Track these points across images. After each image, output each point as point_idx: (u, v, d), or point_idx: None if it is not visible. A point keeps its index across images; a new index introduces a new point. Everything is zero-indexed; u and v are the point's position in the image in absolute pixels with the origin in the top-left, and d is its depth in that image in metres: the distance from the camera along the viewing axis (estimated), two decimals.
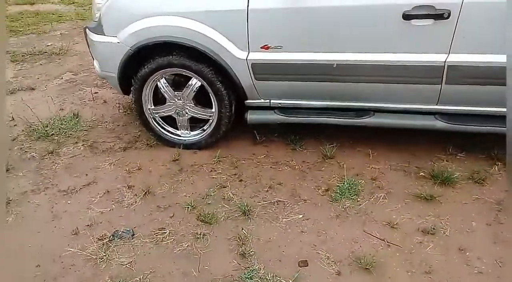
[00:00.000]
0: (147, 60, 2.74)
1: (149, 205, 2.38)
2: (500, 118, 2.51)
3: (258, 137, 2.97)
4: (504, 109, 2.48)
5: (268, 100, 2.77)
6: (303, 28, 2.43)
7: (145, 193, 2.45)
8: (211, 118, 2.83)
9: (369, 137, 2.90)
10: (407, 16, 2.25)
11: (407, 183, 2.49)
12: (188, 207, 2.32)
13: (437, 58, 2.33)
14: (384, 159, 2.73)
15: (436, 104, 2.53)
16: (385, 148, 2.83)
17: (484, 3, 2.19)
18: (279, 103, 2.76)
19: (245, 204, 2.32)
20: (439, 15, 2.22)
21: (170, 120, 2.96)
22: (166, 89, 2.80)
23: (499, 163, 2.64)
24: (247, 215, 2.25)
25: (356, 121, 2.65)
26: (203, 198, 2.41)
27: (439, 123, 2.54)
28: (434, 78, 2.39)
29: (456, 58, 2.30)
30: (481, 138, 2.78)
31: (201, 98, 2.82)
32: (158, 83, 2.80)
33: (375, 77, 2.47)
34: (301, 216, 2.25)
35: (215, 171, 2.66)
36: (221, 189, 2.48)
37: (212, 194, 2.44)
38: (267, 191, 2.46)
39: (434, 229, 2.12)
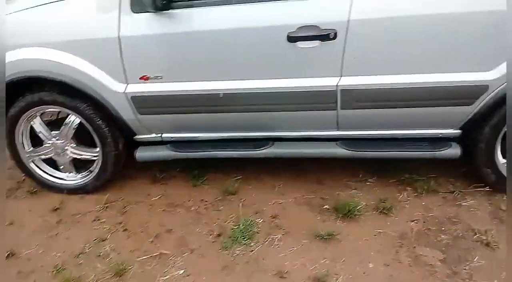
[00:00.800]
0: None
1: (9, 270, 2.02)
2: (404, 142, 2.35)
3: (158, 174, 2.68)
4: (408, 132, 2.34)
5: (159, 135, 2.49)
6: (182, 56, 2.17)
7: (8, 255, 2.09)
8: (96, 158, 2.52)
9: (277, 167, 2.68)
10: (291, 38, 2.03)
11: (308, 219, 2.26)
12: (53, 271, 2.00)
13: (329, 82, 2.12)
14: (290, 190, 2.50)
15: (337, 130, 2.34)
16: (293, 177, 2.61)
17: (372, 21, 1.99)
18: (172, 137, 2.49)
19: (122, 261, 2.02)
20: (325, 36, 2.02)
21: (54, 163, 2.62)
22: (40, 129, 2.47)
23: (409, 188, 2.47)
24: (120, 276, 1.95)
25: (254, 153, 2.40)
26: (75, 257, 2.09)
27: (340, 151, 2.34)
28: (328, 104, 2.18)
29: (349, 81, 2.10)
30: (395, 161, 2.62)
31: (83, 137, 2.51)
32: (32, 123, 2.46)
33: (266, 105, 2.24)
34: (182, 271, 1.96)
35: (99, 220, 2.35)
36: (100, 243, 2.17)
37: (87, 250, 2.13)
38: (151, 241, 2.17)
39: (326, 275, 1.89)
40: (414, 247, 2.04)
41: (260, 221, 2.24)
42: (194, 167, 2.69)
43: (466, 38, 1.98)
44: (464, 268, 1.91)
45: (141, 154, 2.48)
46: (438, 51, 2.02)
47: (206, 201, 2.44)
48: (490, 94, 2.09)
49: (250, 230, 2.17)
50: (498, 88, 2.06)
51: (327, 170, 2.63)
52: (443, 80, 2.08)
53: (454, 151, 2.27)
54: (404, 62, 2.06)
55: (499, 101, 2.09)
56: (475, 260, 1.95)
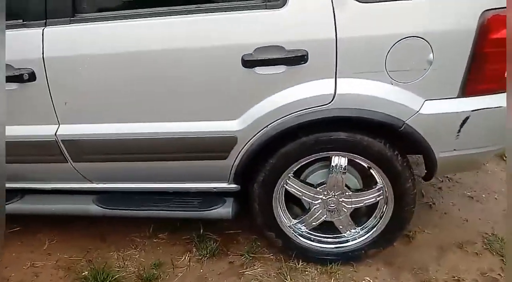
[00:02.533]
0: None
1: None
2: (173, 199, 1.93)
3: None
4: (177, 186, 1.91)
5: None
6: None
7: None
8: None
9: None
10: None
11: None
12: None
13: (48, 130, 1.73)
14: (61, 248, 2.10)
15: (92, 182, 1.94)
16: (77, 230, 2.20)
17: (72, 59, 1.58)
18: None
19: None
20: (19, 77, 1.63)
21: None
22: None
23: (194, 250, 2.07)
24: None
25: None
26: None
27: (94, 208, 1.93)
28: (55, 156, 1.79)
29: (68, 130, 1.70)
30: None
31: None
32: None
33: None
34: None
35: None
36: None
37: None
38: None
39: None
40: None
41: None
42: None
43: (203, 78, 1.56)
44: None
45: None
46: (167, 94, 1.61)
47: None
48: (242, 147, 1.66)
49: None
50: (251, 140, 1.64)
51: (118, 220, 2.23)
52: (180, 130, 1.65)
53: (224, 210, 1.85)
54: (131, 108, 1.65)
55: (256, 155, 1.68)
56: None
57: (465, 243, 2.05)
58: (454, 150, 1.65)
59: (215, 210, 1.85)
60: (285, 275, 1.88)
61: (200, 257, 2.02)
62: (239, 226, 2.15)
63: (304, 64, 1.50)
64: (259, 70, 1.52)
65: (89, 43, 1.58)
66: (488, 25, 1.43)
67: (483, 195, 2.41)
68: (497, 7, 1.42)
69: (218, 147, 1.68)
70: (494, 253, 1.98)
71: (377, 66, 1.50)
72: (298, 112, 1.56)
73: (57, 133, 1.69)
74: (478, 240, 2.07)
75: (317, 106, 1.55)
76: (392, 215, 1.80)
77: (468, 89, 1.54)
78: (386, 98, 1.53)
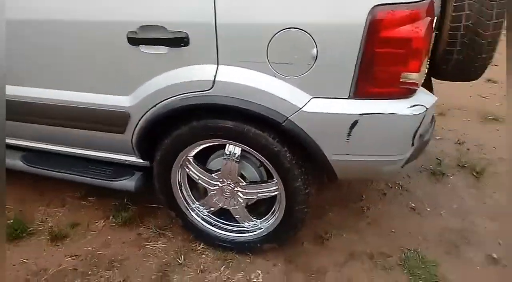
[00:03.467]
0: None
1: None
2: (91, 166, 1.99)
3: None
4: (91, 153, 1.97)
5: None
6: None
7: None
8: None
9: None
10: None
11: None
12: None
13: None
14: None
15: (17, 139, 2.06)
16: (24, 182, 2.35)
17: None
18: None
19: None
20: None
21: None
22: None
23: (111, 217, 2.14)
24: None
25: None
26: None
27: (19, 164, 2.05)
28: None
29: None
30: None
31: None
32: None
33: None
34: None
35: None
36: None
37: None
38: None
39: None
40: None
41: None
42: None
43: (94, 52, 1.59)
44: None
45: None
46: (64, 65, 1.66)
47: None
48: (135, 123, 1.67)
49: None
50: (143, 118, 1.64)
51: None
52: (78, 100, 1.70)
53: (129, 183, 1.89)
54: (34, 73, 1.73)
55: (149, 133, 1.68)
56: None
57: (379, 254, 1.94)
58: (347, 154, 1.55)
59: (121, 181, 1.90)
60: (182, 255, 1.91)
61: (114, 225, 2.10)
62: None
63: (185, 47, 1.47)
64: (144, 48, 1.51)
65: None
66: (378, 22, 1.31)
67: (428, 209, 2.24)
68: (390, 2, 1.29)
69: (113, 120, 1.70)
70: (405, 271, 1.86)
71: (259, 57, 1.43)
72: (182, 95, 1.54)
73: None
74: (395, 254, 1.94)
75: (197, 91, 1.52)
76: (284, 213, 1.75)
77: (359, 91, 1.43)
78: (267, 91, 1.46)
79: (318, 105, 1.46)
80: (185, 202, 1.89)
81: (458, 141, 2.85)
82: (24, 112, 1.84)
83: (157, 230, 2.05)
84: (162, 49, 1.50)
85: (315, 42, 1.37)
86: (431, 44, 1.58)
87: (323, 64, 1.40)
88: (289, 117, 1.48)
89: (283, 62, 1.43)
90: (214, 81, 1.49)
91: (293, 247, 1.96)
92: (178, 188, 1.86)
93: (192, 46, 1.47)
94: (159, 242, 2.00)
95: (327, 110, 1.46)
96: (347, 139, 1.50)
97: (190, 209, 1.91)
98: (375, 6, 1.30)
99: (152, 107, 1.61)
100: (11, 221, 2.11)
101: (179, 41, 1.46)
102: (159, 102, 1.59)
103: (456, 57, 1.72)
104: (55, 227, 2.08)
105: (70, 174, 1.97)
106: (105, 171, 1.97)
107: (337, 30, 1.35)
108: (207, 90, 1.51)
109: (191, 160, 1.78)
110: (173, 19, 1.45)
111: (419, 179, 2.47)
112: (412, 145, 1.53)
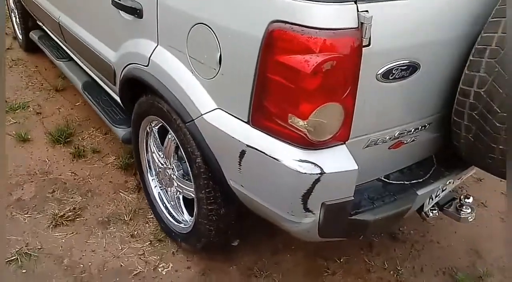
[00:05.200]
0: None
1: None
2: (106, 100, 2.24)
3: None
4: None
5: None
6: None
7: None
8: None
9: None
10: None
11: None
12: None
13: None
14: None
15: None
16: None
17: None
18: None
19: None
20: None
21: None
22: None
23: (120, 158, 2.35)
24: None
25: None
26: None
27: (79, 87, 2.43)
28: None
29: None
30: None
31: None
32: None
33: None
34: None
35: None
36: None
37: None
38: None
39: None
40: None
41: None
42: None
43: (99, 5, 1.75)
44: None
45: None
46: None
47: None
48: (118, 79, 1.76)
49: None
50: (120, 76, 1.72)
51: None
52: (92, 44, 1.91)
53: (121, 132, 2.01)
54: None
55: (125, 92, 1.76)
56: None
57: None
58: (242, 186, 1.30)
59: (116, 128, 2.07)
60: (131, 214, 2.01)
61: (116, 165, 2.35)
62: None
63: (140, 19, 1.48)
64: (122, 13, 1.59)
65: None
66: (273, 41, 1.03)
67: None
68: (291, 20, 0.98)
69: (107, 69, 1.87)
70: None
71: (182, 46, 1.33)
72: (134, 64, 1.57)
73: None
74: None
75: (140, 65, 1.51)
76: (195, 218, 1.60)
77: (252, 117, 1.17)
78: (181, 86, 1.35)
79: (218, 118, 1.27)
80: (148, 169, 1.96)
81: None
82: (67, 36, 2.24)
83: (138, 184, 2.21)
84: (128, 17, 1.55)
85: (219, 46, 1.18)
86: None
87: (227, 73, 1.20)
88: (194, 120, 1.34)
89: (197, 59, 1.29)
90: (149, 59, 1.46)
91: (223, 264, 1.81)
92: (145, 153, 1.93)
93: (144, 20, 1.47)
94: (132, 194, 2.15)
95: (222, 127, 1.26)
96: (239, 169, 1.27)
97: (151, 178, 1.96)
98: (273, 21, 1.02)
99: (123, 69, 1.70)
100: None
101: (137, 12, 1.48)
102: (126, 66, 1.66)
103: (464, 135, 1.20)
104: (85, 146, 2.48)
105: (97, 106, 2.26)
106: (117, 115, 2.18)
107: (239, 37, 1.13)
108: (145, 66, 1.49)
109: (154, 131, 1.81)
110: None
111: None
112: (307, 210, 1.17)
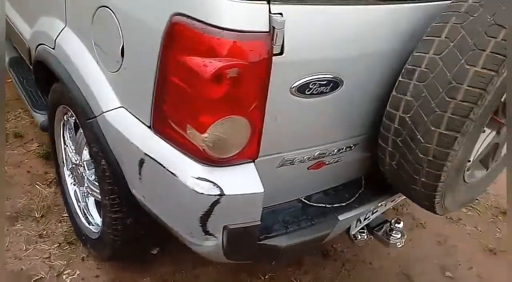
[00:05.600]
0: None
1: None
2: None
3: None
4: None
5: None
6: None
7: None
8: None
9: None
10: None
11: None
12: None
13: None
14: None
15: None
16: None
17: None
18: None
19: None
20: None
21: None
22: None
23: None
24: None
25: None
26: None
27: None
28: None
29: None
30: None
31: None
32: None
33: None
34: None
35: None
36: None
37: None
38: None
39: None
40: None
41: None
42: None
43: None
44: None
45: None
46: None
47: None
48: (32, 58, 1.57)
49: None
50: (35, 53, 1.52)
51: None
52: (11, 17, 1.70)
53: (40, 117, 1.79)
54: None
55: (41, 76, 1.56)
56: None
57: None
58: (143, 197, 1.16)
59: (36, 113, 1.85)
60: (44, 209, 1.83)
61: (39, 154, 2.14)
62: None
63: None
64: None
65: None
66: (173, 37, 0.88)
67: None
68: (191, 14, 0.84)
69: (24, 47, 1.66)
70: None
71: (87, 32, 1.15)
72: (43, 45, 1.38)
73: None
74: None
75: (47, 46, 1.33)
76: (102, 225, 1.44)
77: (154, 121, 1.02)
78: (83, 75, 1.18)
79: (120, 119, 1.11)
80: (64, 163, 1.78)
81: None
82: None
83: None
84: None
85: (122, 35, 1.02)
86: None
87: (129, 68, 1.04)
88: (96, 117, 1.18)
89: (101, 48, 1.12)
90: (55, 41, 1.28)
91: (137, 274, 1.66)
92: (62, 145, 1.74)
93: None
94: (49, 188, 1.96)
95: (122, 130, 1.10)
96: (140, 179, 1.12)
97: (68, 174, 1.78)
98: (176, 13, 0.87)
99: (36, 49, 1.50)
100: None
101: None
102: (38, 46, 1.47)
103: (388, 162, 1.09)
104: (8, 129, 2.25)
105: (19, 85, 2.03)
106: (40, 98, 1.98)
107: (142, 27, 0.97)
108: (52, 49, 1.31)
109: (71, 122, 1.63)
110: None
111: None
112: (207, 233, 1.04)
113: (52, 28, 1.31)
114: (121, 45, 1.02)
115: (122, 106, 1.11)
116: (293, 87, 0.93)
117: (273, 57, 0.85)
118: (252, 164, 1.00)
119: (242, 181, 0.97)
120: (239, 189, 0.96)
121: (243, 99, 0.87)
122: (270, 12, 0.83)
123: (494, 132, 1.14)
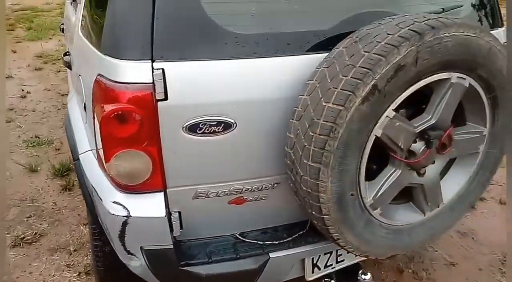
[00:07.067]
0: None
1: None
2: None
3: None
4: None
5: None
6: None
7: None
8: None
9: None
10: None
11: None
12: None
13: None
14: None
15: None
16: None
17: None
18: None
19: None
20: None
21: None
22: None
23: None
24: None
25: None
26: None
27: None
28: None
29: None
30: None
31: None
32: None
33: None
34: None
35: None
36: None
37: None
38: None
39: None
40: None
41: None
42: None
43: None
44: None
45: None
46: None
47: None
48: None
49: None
50: None
51: None
52: None
53: None
54: None
55: None
56: None
57: None
58: (101, 221, 1.37)
59: None
60: (72, 247, 2.17)
61: None
62: None
63: None
64: None
65: None
66: (94, 90, 1.18)
67: None
68: (103, 74, 1.11)
69: None
70: None
71: (81, 93, 1.49)
72: None
73: None
74: None
75: None
76: None
77: (97, 156, 1.28)
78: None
79: (88, 159, 1.40)
80: None
81: None
82: None
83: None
84: None
85: (84, 95, 1.33)
86: None
87: (88, 120, 1.34)
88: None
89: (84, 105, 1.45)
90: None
91: None
92: None
93: None
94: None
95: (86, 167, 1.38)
96: (95, 206, 1.36)
97: None
98: (98, 74, 1.16)
99: None
100: None
101: None
102: None
103: (296, 198, 1.16)
104: (76, 180, 2.76)
105: None
106: None
107: (89, 84, 1.27)
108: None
109: None
110: None
111: None
112: (129, 253, 1.20)
113: None
114: (84, 102, 1.35)
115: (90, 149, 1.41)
116: (185, 126, 1.11)
117: (159, 102, 1.07)
118: (162, 193, 1.17)
119: (148, 206, 1.15)
120: (143, 212, 1.14)
121: (137, 136, 1.09)
122: (152, 68, 1.06)
123: (400, 171, 1.12)
